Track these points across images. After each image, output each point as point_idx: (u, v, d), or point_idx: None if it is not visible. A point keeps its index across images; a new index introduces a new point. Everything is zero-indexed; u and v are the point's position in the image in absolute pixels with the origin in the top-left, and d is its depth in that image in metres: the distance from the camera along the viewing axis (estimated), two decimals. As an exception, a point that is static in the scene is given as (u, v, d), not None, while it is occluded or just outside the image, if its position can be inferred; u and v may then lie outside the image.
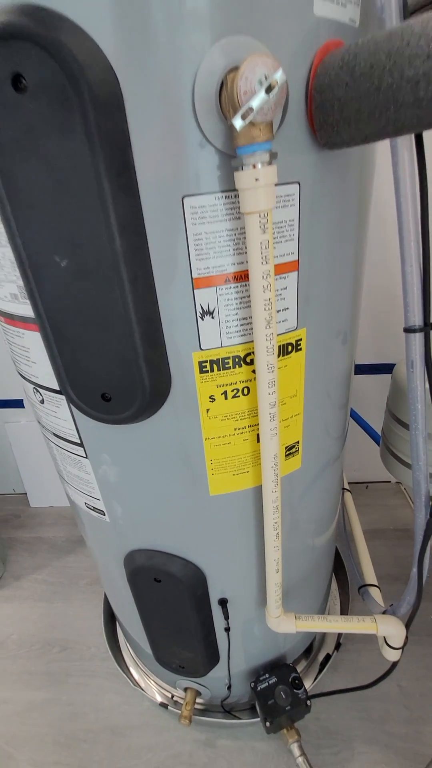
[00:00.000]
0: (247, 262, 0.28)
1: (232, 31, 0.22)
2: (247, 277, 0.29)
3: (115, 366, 0.31)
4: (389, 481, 1.06)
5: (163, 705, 0.65)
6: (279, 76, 0.20)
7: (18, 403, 1.03)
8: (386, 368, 0.90)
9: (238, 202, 0.26)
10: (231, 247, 0.28)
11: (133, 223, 0.26)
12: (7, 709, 0.69)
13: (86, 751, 0.63)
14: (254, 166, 0.23)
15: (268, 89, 0.20)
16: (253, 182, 0.23)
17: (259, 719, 0.57)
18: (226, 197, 0.27)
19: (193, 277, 0.29)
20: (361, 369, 0.92)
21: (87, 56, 0.22)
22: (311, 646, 0.71)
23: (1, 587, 0.92)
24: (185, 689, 0.62)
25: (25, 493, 1.14)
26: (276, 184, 0.25)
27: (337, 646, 0.71)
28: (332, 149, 0.28)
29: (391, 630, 0.47)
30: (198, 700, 0.63)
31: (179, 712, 0.59)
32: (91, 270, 0.27)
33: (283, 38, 0.24)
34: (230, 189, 0.26)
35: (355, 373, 0.91)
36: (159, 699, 0.66)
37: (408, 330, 0.32)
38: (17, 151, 0.24)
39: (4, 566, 0.96)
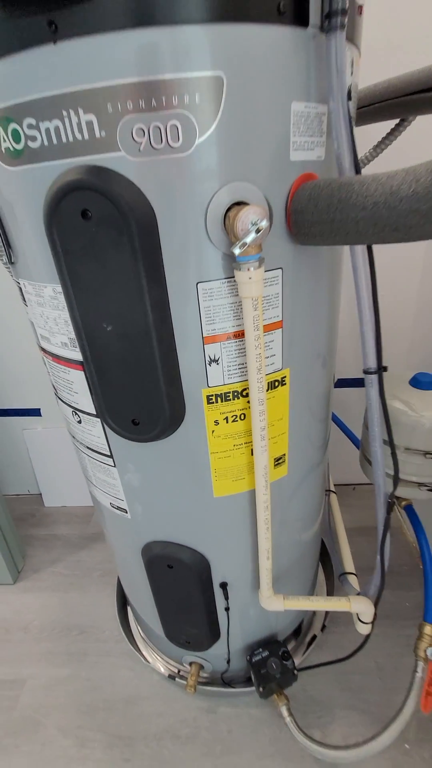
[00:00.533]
0: (243, 325, 0.38)
1: (234, 179, 0.32)
2: (243, 335, 0.39)
3: (144, 400, 0.41)
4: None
5: (171, 677, 0.75)
6: (264, 223, 0.30)
7: (35, 412, 1.13)
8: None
9: (237, 274, 0.36)
10: (231, 315, 0.38)
11: (161, 303, 0.36)
12: (34, 683, 0.79)
13: (104, 717, 0.73)
14: (248, 269, 0.33)
15: (257, 230, 0.30)
16: (247, 279, 0.33)
17: (254, 690, 0.67)
18: (228, 282, 0.37)
19: (204, 336, 0.39)
20: (346, 383, 1.02)
21: (132, 199, 0.32)
22: (300, 629, 0.81)
23: (21, 579, 1.01)
24: (190, 663, 0.72)
25: (40, 494, 1.24)
26: (262, 261, 0.35)
27: (323, 628, 0.81)
28: (306, 245, 0.38)
29: (361, 607, 0.57)
30: (201, 674, 0.73)
31: (185, 683, 0.69)
32: (129, 333, 0.37)
33: (269, 177, 0.34)
34: (231, 276, 0.36)
35: (341, 387, 1.02)
36: (167, 672, 0.76)
37: (366, 372, 0.42)
38: (82, 255, 0.34)
39: (24, 560, 1.05)
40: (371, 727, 0.68)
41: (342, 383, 1.02)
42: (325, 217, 0.32)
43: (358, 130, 0.40)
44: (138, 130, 0.30)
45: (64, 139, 0.31)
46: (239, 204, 0.33)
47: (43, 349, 0.49)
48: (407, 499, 0.74)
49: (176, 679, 0.74)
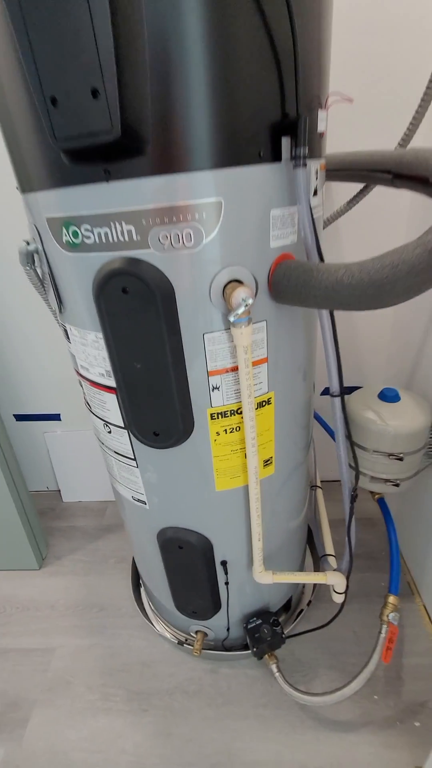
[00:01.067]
0: (237, 362, 0.51)
1: (230, 264, 0.46)
2: (238, 369, 0.52)
3: (163, 417, 0.54)
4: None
5: (180, 643, 0.88)
6: (251, 300, 0.43)
7: (56, 417, 1.26)
8: (350, 389, 1.14)
9: (232, 329, 0.50)
10: (228, 355, 0.51)
11: (177, 348, 0.49)
12: (63, 651, 0.93)
13: (124, 677, 0.87)
14: (240, 327, 0.46)
15: (246, 305, 0.43)
16: (239, 334, 0.47)
17: (249, 654, 0.81)
18: (226, 332, 0.50)
19: (208, 370, 0.52)
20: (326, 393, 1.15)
21: (158, 279, 0.45)
22: (290, 604, 0.95)
23: (46, 565, 1.15)
24: (196, 632, 0.85)
25: (59, 490, 1.37)
26: (252, 322, 0.48)
27: (309, 603, 0.94)
28: (283, 305, 0.51)
29: (335, 580, 0.71)
30: (205, 641, 0.86)
31: (191, 648, 0.83)
32: (153, 369, 0.50)
33: (256, 260, 0.47)
34: (228, 328, 0.49)
35: (326, 394, 1.15)
36: (175, 640, 0.90)
37: (332, 395, 0.56)
38: (121, 316, 0.47)
39: (47, 549, 1.19)
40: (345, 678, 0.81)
41: (327, 391, 1.15)
42: (294, 290, 0.45)
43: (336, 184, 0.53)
44: (163, 236, 0.43)
45: (110, 240, 0.44)
46: (234, 281, 0.46)
47: (81, 375, 0.62)
48: (379, 493, 0.87)
49: (184, 645, 0.88)
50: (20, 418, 1.27)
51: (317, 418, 1.04)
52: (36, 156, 0.43)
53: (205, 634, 0.85)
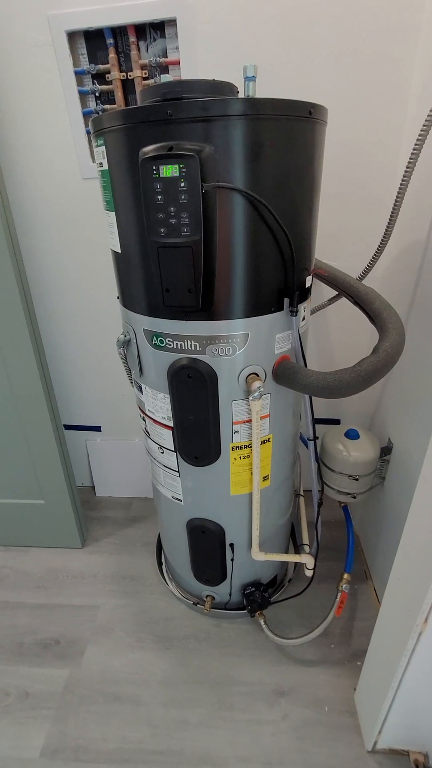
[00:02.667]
0: (251, 417, 0.83)
1: (250, 364, 0.78)
2: (251, 421, 0.84)
3: (202, 447, 0.86)
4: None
5: (195, 603, 1.21)
6: (263, 388, 0.75)
7: (96, 428, 1.58)
8: (333, 421, 1.46)
9: (249, 402, 0.82)
10: (245, 412, 0.84)
11: (216, 408, 0.81)
12: (105, 608, 1.25)
13: (152, 627, 1.19)
14: (254, 401, 0.79)
15: (259, 390, 0.75)
16: (254, 403, 0.79)
17: (245, 612, 1.13)
18: (245, 401, 0.82)
19: (233, 421, 0.84)
20: (317, 421, 1.48)
21: (208, 371, 0.77)
22: (275, 581, 1.27)
23: (86, 546, 1.47)
24: (207, 596, 1.18)
25: (93, 486, 1.69)
26: (262, 395, 0.80)
27: (289, 580, 1.27)
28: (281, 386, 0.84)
29: (306, 560, 1.03)
30: (213, 604, 1.18)
31: (203, 608, 1.15)
32: (200, 419, 0.83)
33: (265, 362, 0.79)
34: (247, 398, 0.82)
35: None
36: (191, 602, 1.22)
37: (308, 439, 0.88)
38: (184, 390, 0.79)
39: (88, 533, 1.51)
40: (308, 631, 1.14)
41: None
42: (287, 380, 0.78)
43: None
44: (213, 349, 0.75)
45: (183, 348, 0.76)
46: (253, 374, 0.78)
47: (147, 415, 0.94)
48: (344, 502, 1.20)
49: (197, 605, 1.21)
50: (68, 427, 1.59)
51: (302, 439, 1.37)
52: (147, 302, 0.75)
53: (213, 598, 1.17)
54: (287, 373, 0.78)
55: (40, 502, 1.37)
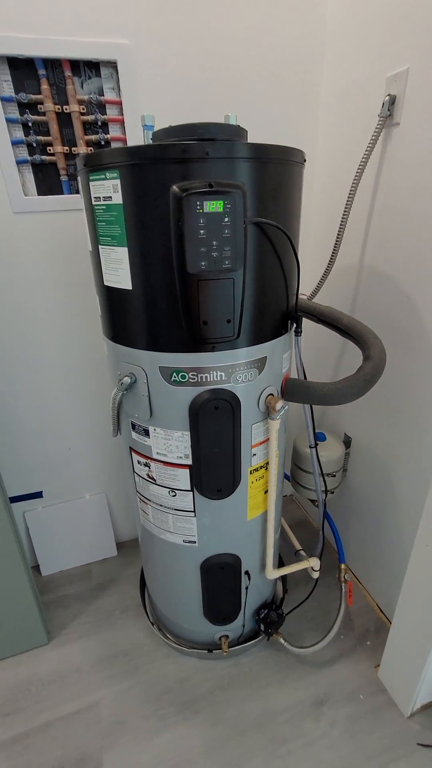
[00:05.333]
0: (269, 436, 0.86)
1: (269, 386, 0.81)
2: (268, 441, 0.87)
3: (224, 478, 0.85)
4: (290, 495, 1.75)
5: (210, 651, 1.13)
6: (287, 407, 0.79)
7: (37, 495, 1.34)
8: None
9: (268, 423, 0.85)
10: (263, 433, 0.86)
11: (238, 435, 0.81)
12: (106, 701, 1.05)
13: (169, 697, 1.06)
14: (275, 419, 0.82)
15: (284, 409, 0.79)
16: (274, 422, 0.82)
17: (256, 642, 1.12)
18: (263, 422, 0.85)
19: (252, 444, 0.85)
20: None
21: (234, 399, 0.77)
22: (274, 597, 1.28)
23: (53, 638, 1.21)
24: (220, 637, 1.11)
25: (36, 566, 1.41)
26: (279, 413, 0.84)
27: (285, 591, 1.30)
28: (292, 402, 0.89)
29: (314, 563, 1.09)
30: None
31: (216, 654, 1.09)
32: (223, 449, 0.81)
33: (277, 381, 0.84)
34: (264, 420, 0.84)
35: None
36: (204, 651, 1.13)
37: (310, 447, 0.95)
38: (209, 421, 0.77)
39: (49, 622, 1.25)
40: (323, 632, 1.20)
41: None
42: (299, 395, 0.84)
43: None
44: (237, 376, 0.76)
45: (207, 380, 0.75)
46: (270, 395, 0.82)
47: (154, 459, 0.87)
48: (317, 500, 1.31)
49: (212, 651, 1.13)
50: None
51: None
52: (167, 338, 0.71)
53: (227, 636, 1.12)
54: (298, 389, 0.84)
55: (-12, 604, 1.09)
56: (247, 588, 1.05)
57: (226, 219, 0.60)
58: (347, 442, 1.28)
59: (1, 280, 1.05)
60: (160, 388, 0.77)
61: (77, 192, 1.03)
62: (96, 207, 0.68)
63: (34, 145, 0.95)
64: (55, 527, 1.38)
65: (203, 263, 0.62)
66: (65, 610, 1.30)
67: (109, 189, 0.64)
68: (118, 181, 0.62)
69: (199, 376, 0.75)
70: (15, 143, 0.94)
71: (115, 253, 0.69)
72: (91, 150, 1.00)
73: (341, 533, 1.45)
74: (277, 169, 0.66)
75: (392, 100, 0.87)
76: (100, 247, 0.71)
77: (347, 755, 0.94)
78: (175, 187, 0.59)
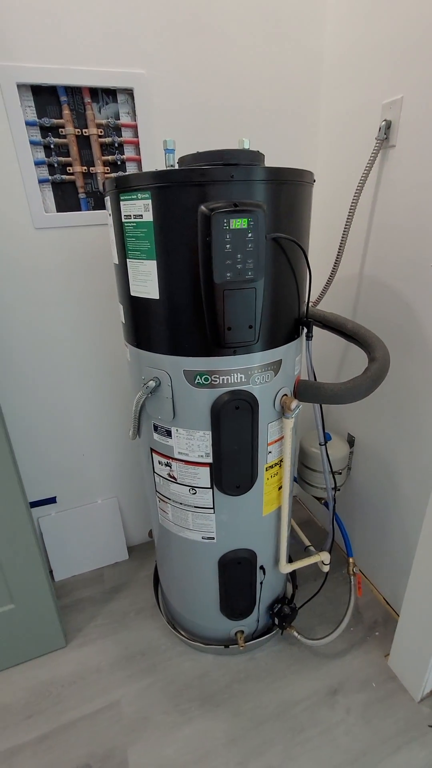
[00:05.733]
0: (284, 434, 0.91)
1: (283, 386, 0.87)
2: (282, 439, 0.92)
3: (243, 475, 0.90)
4: (295, 496, 1.79)
5: (226, 646, 1.16)
6: (301, 406, 0.85)
7: (51, 500, 1.37)
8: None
9: (283, 422, 0.90)
10: (278, 431, 0.92)
11: (255, 433, 0.87)
12: (127, 699, 1.08)
13: (189, 692, 1.09)
14: (290, 418, 0.88)
15: (299, 407, 0.85)
16: (289, 420, 0.88)
17: (269, 637, 1.16)
18: (278, 421, 0.90)
19: (268, 442, 0.91)
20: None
21: (253, 399, 0.83)
22: (285, 593, 1.33)
23: (71, 640, 1.24)
24: (236, 633, 1.15)
25: (50, 571, 1.43)
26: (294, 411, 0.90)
27: (295, 587, 1.35)
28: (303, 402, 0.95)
29: (324, 557, 1.14)
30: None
31: (232, 650, 1.12)
32: (242, 447, 0.87)
33: (290, 381, 0.90)
34: (279, 419, 0.90)
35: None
36: (221, 647, 1.17)
37: (320, 444, 1.01)
38: (230, 420, 0.83)
39: (66, 625, 1.27)
40: (332, 626, 1.24)
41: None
42: (311, 395, 0.90)
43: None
44: (256, 378, 0.82)
45: (228, 382, 0.80)
46: (285, 395, 0.88)
47: (175, 459, 0.91)
48: (324, 498, 1.36)
49: (228, 647, 1.16)
50: (12, 509, 1.33)
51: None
52: (192, 343, 0.77)
53: (243, 632, 1.16)
54: (310, 390, 0.90)
55: (8, 607, 1.11)
56: (261, 583, 1.10)
57: (250, 234, 0.67)
58: (351, 442, 1.35)
59: (22, 291, 1.09)
60: (184, 390, 0.83)
61: (94, 208, 1.09)
62: (126, 224, 0.74)
63: (55, 165, 1.01)
64: (68, 532, 1.41)
65: (229, 274, 0.68)
66: (80, 613, 1.32)
67: (140, 208, 0.70)
68: (149, 201, 0.69)
69: (221, 378, 0.80)
70: (37, 164, 1.00)
71: (143, 266, 0.75)
72: (107, 169, 1.06)
73: (347, 530, 1.51)
74: (290, 189, 0.73)
75: (388, 125, 0.95)
76: (128, 260, 0.77)
77: (363, 740, 0.98)
78: (203, 207, 0.65)
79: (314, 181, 0.80)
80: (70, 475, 1.36)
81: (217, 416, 0.83)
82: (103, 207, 1.10)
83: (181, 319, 0.76)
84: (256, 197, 0.68)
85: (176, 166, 0.84)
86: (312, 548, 1.27)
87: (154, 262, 0.73)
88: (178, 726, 1.02)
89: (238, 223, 0.65)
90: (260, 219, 0.66)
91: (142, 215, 0.71)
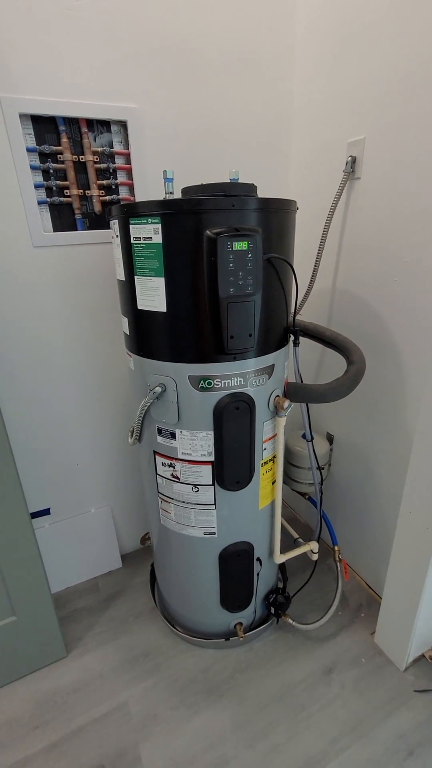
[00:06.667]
0: (276, 432, 1.01)
1: (276, 389, 0.97)
2: (275, 438, 1.02)
3: (242, 471, 0.98)
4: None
5: (227, 639, 1.22)
6: (289, 404, 0.95)
7: (45, 512, 1.38)
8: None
9: (276, 420, 1.00)
10: (272, 429, 1.01)
11: (253, 431, 0.96)
12: (134, 699, 1.11)
13: (194, 686, 1.13)
14: (282, 417, 0.98)
15: (290, 407, 0.95)
16: (281, 419, 0.98)
17: (265, 627, 1.23)
18: (272, 420, 1.00)
19: (263, 439, 1.00)
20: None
21: (251, 400, 0.92)
22: (277, 584, 1.41)
23: (72, 650, 1.24)
24: (235, 625, 1.21)
25: (43, 586, 1.43)
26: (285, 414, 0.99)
27: (286, 579, 1.43)
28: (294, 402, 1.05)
29: (313, 546, 1.24)
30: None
31: (231, 643, 1.19)
32: (242, 444, 0.95)
33: (281, 385, 1.00)
34: (273, 418, 1.00)
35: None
36: (220, 640, 1.22)
37: (307, 440, 1.12)
38: (231, 420, 0.91)
39: (66, 635, 1.27)
40: (321, 613, 1.33)
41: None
42: (300, 395, 1.00)
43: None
44: (253, 380, 0.91)
45: (229, 385, 0.89)
46: (277, 396, 0.98)
47: (179, 459, 0.98)
48: (307, 493, 1.47)
49: (229, 639, 1.22)
50: (6, 523, 1.32)
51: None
52: (197, 351, 0.85)
53: (242, 623, 1.22)
54: (299, 391, 1.00)
55: (11, 619, 1.11)
56: (258, 574, 1.17)
57: (249, 255, 0.77)
58: (330, 439, 1.47)
59: (20, 305, 1.13)
60: (188, 394, 0.90)
61: (89, 228, 1.16)
62: (135, 245, 0.82)
63: (54, 188, 1.08)
64: (62, 544, 1.42)
65: (231, 289, 0.78)
66: (78, 623, 1.33)
67: (150, 231, 0.79)
68: (159, 225, 0.77)
69: (223, 382, 0.89)
70: (36, 187, 1.06)
71: (152, 282, 0.83)
72: (102, 192, 1.14)
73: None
74: (279, 216, 0.84)
75: (354, 160, 1.10)
76: (136, 277, 0.85)
77: (358, 710, 1.07)
78: (209, 232, 0.75)
79: (297, 209, 0.92)
80: (64, 485, 1.38)
81: (220, 417, 0.91)
82: (97, 227, 1.17)
83: (186, 329, 0.84)
84: (252, 223, 0.79)
85: (175, 193, 0.94)
86: (300, 540, 1.36)
87: (162, 278, 0.81)
88: (187, 719, 1.06)
89: (240, 245, 0.75)
90: (258, 241, 0.77)
91: (151, 237, 0.79)
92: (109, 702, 1.10)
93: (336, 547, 1.32)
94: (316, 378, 1.48)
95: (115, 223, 0.86)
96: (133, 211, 0.80)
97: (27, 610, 1.13)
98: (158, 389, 0.91)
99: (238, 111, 1.22)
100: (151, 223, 0.78)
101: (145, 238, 0.80)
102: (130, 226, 0.81)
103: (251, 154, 1.29)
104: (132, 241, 0.82)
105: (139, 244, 0.81)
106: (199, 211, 0.75)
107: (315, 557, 1.26)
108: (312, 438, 1.15)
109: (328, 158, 1.20)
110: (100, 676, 1.17)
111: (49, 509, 1.38)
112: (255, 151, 1.29)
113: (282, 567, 1.47)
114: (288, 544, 1.42)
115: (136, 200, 1.18)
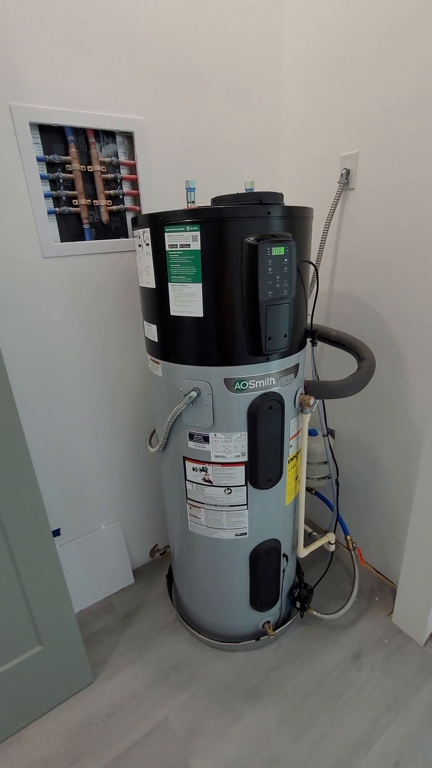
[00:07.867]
0: (300, 428, 1.05)
1: (300, 386, 1.02)
2: (299, 434, 1.06)
3: (273, 469, 1.01)
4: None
5: (257, 638, 1.23)
6: (314, 401, 1.00)
7: (55, 533, 1.31)
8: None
9: (301, 417, 1.04)
10: (295, 427, 1.05)
11: (283, 428, 1.00)
12: (173, 714, 1.08)
13: (232, 691, 1.13)
14: (307, 413, 1.02)
15: (315, 404, 1.00)
16: (306, 416, 1.02)
17: (290, 623, 1.26)
18: (296, 417, 1.04)
19: (289, 437, 1.04)
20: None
21: (282, 399, 0.96)
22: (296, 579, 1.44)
23: (98, 675, 1.19)
24: (264, 624, 1.23)
25: (55, 612, 1.35)
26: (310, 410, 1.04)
27: (302, 574, 1.47)
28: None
29: (331, 537, 1.29)
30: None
31: (261, 642, 1.20)
32: (274, 443, 0.98)
33: (302, 378, 1.05)
34: (296, 416, 1.04)
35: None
36: (252, 640, 1.23)
37: (324, 435, 1.18)
38: (264, 419, 0.94)
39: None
40: (341, 602, 1.38)
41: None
42: (319, 391, 1.06)
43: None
44: (283, 380, 0.95)
45: (262, 385, 0.92)
46: (302, 393, 1.02)
47: (213, 463, 0.99)
48: (314, 487, 1.53)
49: (259, 639, 1.23)
50: (14, 549, 1.24)
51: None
52: (232, 354, 0.87)
53: (269, 622, 1.24)
54: (318, 387, 1.06)
55: (37, 649, 1.05)
56: (284, 570, 1.20)
57: (286, 260, 0.81)
58: (332, 434, 1.54)
59: (31, 318, 1.09)
60: (225, 396, 0.92)
61: (96, 238, 1.15)
62: (170, 252, 0.83)
63: (63, 198, 1.06)
64: (73, 565, 1.36)
65: (270, 292, 0.82)
66: (99, 646, 1.27)
67: (188, 238, 0.80)
68: (198, 233, 0.79)
69: (257, 382, 0.92)
70: (45, 196, 1.03)
71: (188, 288, 0.84)
72: (109, 202, 1.14)
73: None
74: (302, 222, 0.89)
75: (348, 172, 1.19)
76: (170, 284, 0.86)
77: (390, 688, 1.12)
78: (249, 239, 0.78)
79: (313, 216, 0.98)
80: (74, 502, 1.33)
81: (254, 417, 0.94)
82: (104, 237, 1.16)
83: (223, 333, 0.86)
84: (283, 229, 0.83)
85: (195, 202, 0.96)
86: (315, 534, 1.41)
87: (200, 284, 0.83)
88: (231, 724, 1.06)
89: (278, 250, 0.79)
90: (293, 247, 0.81)
91: (189, 244, 0.81)
92: (148, 722, 1.07)
93: (348, 537, 1.39)
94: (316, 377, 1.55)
95: (144, 232, 0.87)
96: (169, 219, 0.81)
97: (53, 637, 1.07)
98: (194, 393, 0.92)
99: (235, 124, 1.27)
100: (190, 230, 0.80)
101: (182, 245, 0.82)
102: (165, 234, 0.82)
103: (245, 166, 1.34)
104: (167, 249, 0.84)
105: (176, 251, 0.83)
106: (237, 217, 0.78)
107: (332, 548, 1.31)
108: (327, 433, 1.21)
109: (324, 170, 1.28)
110: (134, 696, 1.13)
111: (59, 530, 1.32)
112: (249, 163, 1.35)
113: (298, 562, 1.50)
114: (304, 539, 1.46)
115: (142, 210, 1.19)
